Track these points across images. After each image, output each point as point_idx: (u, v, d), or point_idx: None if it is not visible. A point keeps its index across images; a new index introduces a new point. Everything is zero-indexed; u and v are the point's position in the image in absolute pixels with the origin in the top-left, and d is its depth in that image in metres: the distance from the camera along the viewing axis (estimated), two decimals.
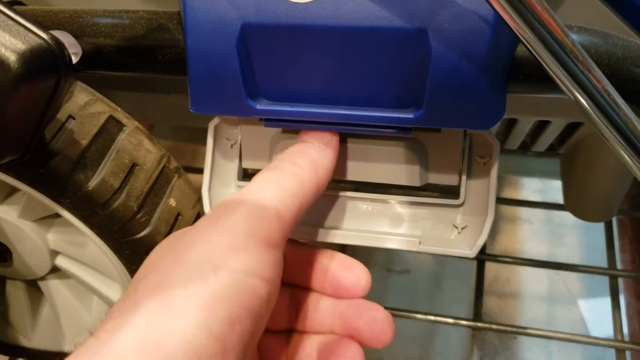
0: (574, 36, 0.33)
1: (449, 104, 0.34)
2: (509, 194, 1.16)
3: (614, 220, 0.99)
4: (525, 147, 0.72)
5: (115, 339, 0.26)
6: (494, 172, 0.39)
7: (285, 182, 0.33)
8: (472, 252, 0.38)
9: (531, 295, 1.02)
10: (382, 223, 0.41)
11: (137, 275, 0.31)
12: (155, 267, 0.30)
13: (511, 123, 0.64)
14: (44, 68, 0.36)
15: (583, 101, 0.28)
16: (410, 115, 0.35)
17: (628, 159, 0.30)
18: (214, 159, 0.43)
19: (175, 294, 0.27)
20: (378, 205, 0.41)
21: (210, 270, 0.28)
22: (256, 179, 0.34)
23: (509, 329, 0.75)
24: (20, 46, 0.35)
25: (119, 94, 0.72)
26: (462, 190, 0.40)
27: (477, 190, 0.40)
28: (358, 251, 1.08)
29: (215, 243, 0.29)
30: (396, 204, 0.41)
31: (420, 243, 0.39)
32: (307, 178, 0.34)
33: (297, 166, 0.35)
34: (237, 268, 0.28)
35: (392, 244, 0.40)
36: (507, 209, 1.14)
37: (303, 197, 0.34)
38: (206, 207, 0.41)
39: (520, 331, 0.74)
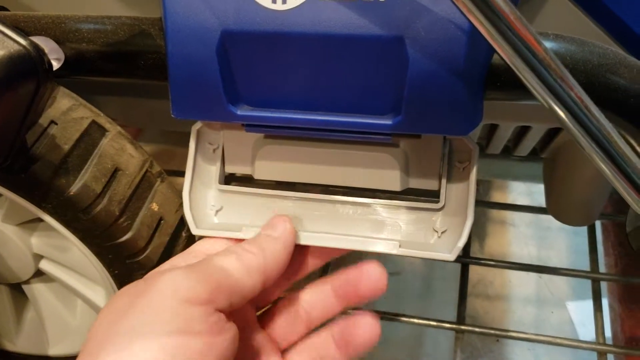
0: (550, 44, 0.34)
1: (427, 111, 0.34)
2: (494, 197, 1.16)
3: (598, 224, 1.00)
4: (508, 152, 0.72)
5: None
6: (473, 176, 0.39)
7: (232, 269, 0.35)
8: (451, 256, 0.38)
9: (515, 298, 1.02)
10: (363, 227, 0.41)
11: (94, 332, 0.32)
12: (107, 338, 0.31)
13: (492, 128, 0.64)
14: (23, 74, 0.36)
15: (557, 109, 0.29)
16: (389, 122, 0.35)
17: (602, 165, 0.30)
18: (196, 162, 0.43)
19: None
20: (359, 209, 0.41)
21: (157, 349, 0.30)
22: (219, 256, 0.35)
23: (492, 331, 0.75)
24: None
25: (108, 99, 0.71)
26: (442, 194, 0.40)
27: (457, 195, 0.40)
28: (348, 254, 1.08)
29: (156, 312, 0.31)
30: (377, 208, 0.41)
31: (400, 246, 0.39)
32: (255, 266, 0.35)
33: (247, 252, 0.36)
34: (185, 332, 0.31)
35: (372, 247, 0.40)
36: (492, 213, 1.14)
37: (251, 287, 0.35)
38: (186, 210, 0.41)
39: (503, 334, 0.74)
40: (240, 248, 0.36)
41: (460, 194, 0.40)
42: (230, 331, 0.33)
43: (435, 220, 0.40)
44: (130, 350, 0.29)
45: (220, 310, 0.33)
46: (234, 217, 0.43)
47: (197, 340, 0.31)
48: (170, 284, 0.32)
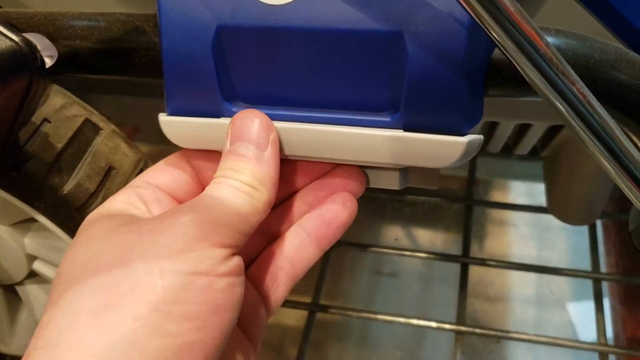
0: (551, 39, 0.33)
1: (426, 107, 0.34)
2: (494, 197, 1.16)
3: (599, 224, 1.00)
4: (508, 151, 0.73)
5: (58, 356, 0.25)
6: None
7: (242, 201, 0.32)
8: (464, 139, 0.33)
9: (516, 298, 1.02)
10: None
11: (65, 273, 0.30)
12: (92, 271, 0.29)
13: (492, 126, 0.64)
14: (15, 71, 0.36)
15: (559, 105, 0.28)
16: (388, 119, 0.35)
17: (605, 162, 0.30)
18: None
19: (120, 300, 0.27)
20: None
21: (157, 275, 0.28)
22: (216, 190, 0.33)
23: (492, 332, 0.75)
24: None
25: (104, 97, 0.71)
26: None
27: None
28: (346, 254, 1.08)
29: (163, 247, 0.29)
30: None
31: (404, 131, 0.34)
32: (260, 203, 0.33)
33: (250, 188, 0.33)
34: (186, 270, 0.28)
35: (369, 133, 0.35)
36: (492, 212, 1.14)
37: (258, 216, 0.33)
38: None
39: (504, 335, 0.74)
40: (239, 182, 0.33)
41: None
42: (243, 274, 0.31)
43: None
44: (134, 279, 0.27)
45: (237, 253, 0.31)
46: None
47: (221, 280, 0.29)
48: (188, 226, 0.29)
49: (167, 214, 0.31)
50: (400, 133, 0.34)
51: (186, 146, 0.38)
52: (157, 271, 0.28)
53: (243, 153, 0.34)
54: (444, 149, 0.34)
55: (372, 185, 0.40)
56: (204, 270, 0.29)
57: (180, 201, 0.37)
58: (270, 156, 0.34)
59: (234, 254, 0.31)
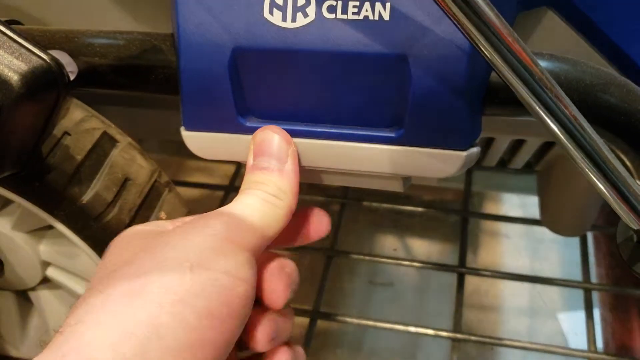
0: (545, 63, 0.35)
1: (428, 125, 0.36)
2: (488, 209, 1.18)
3: (590, 236, 1.01)
4: (503, 165, 0.74)
5: (84, 332, 0.27)
6: None
7: (267, 209, 0.35)
8: (465, 153, 0.36)
9: (509, 307, 1.04)
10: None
11: (103, 269, 0.32)
12: (127, 262, 0.31)
13: (489, 141, 0.65)
14: (45, 87, 0.38)
15: (552, 125, 0.30)
16: (392, 134, 0.37)
17: (594, 179, 0.31)
18: None
19: (150, 287, 0.28)
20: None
21: (188, 268, 0.29)
22: (242, 200, 0.35)
23: (488, 340, 0.77)
24: (23, 67, 0.36)
25: (107, 109, 0.72)
26: None
27: None
28: (345, 264, 1.09)
29: (194, 244, 0.31)
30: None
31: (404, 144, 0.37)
32: (283, 211, 0.35)
33: (274, 197, 0.35)
34: (215, 268, 0.30)
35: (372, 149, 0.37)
36: (486, 224, 1.16)
37: (281, 223, 0.35)
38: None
39: (498, 342, 0.76)
40: (264, 192, 0.35)
41: None
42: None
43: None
44: (147, 286, 0.29)
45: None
46: None
47: (241, 285, 0.31)
48: (218, 227, 0.32)
49: (197, 218, 0.33)
50: (404, 148, 0.36)
51: (206, 157, 0.41)
52: (188, 265, 0.29)
53: (266, 166, 0.36)
54: (444, 162, 0.36)
55: (379, 188, 0.42)
56: (229, 270, 0.30)
57: None
58: (290, 168, 0.37)
59: (253, 261, 0.33)
